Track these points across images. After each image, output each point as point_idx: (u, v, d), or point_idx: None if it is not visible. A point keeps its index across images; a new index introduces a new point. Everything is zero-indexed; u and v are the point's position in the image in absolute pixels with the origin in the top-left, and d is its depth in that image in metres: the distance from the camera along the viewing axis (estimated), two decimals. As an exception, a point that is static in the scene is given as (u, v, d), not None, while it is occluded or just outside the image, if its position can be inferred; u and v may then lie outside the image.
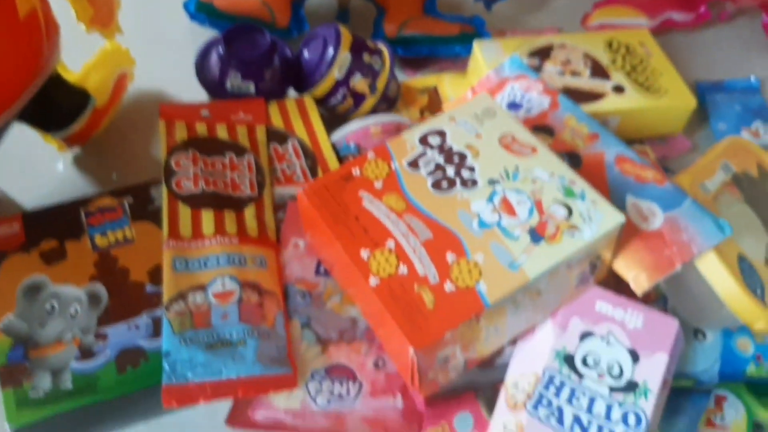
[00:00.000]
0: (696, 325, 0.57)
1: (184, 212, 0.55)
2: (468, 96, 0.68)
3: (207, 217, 0.55)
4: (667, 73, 0.72)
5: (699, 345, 0.56)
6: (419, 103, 0.74)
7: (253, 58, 0.65)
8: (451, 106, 0.69)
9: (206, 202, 0.56)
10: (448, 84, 0.75)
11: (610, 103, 0.67)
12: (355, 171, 0.51)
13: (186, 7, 0.76)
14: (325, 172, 0.62)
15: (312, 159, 0.63)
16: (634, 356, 0.48)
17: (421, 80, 0.76)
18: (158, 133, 0.62)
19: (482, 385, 0.52)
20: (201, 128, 0.62)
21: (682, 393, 0.55)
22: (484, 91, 0.66)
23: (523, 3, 0.85)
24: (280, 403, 0.49)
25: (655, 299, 0.58)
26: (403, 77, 0.77)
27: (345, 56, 0.66)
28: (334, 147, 0.64)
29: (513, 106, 0.63)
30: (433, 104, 0.73)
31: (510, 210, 0.47)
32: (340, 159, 0.63)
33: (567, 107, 0.61)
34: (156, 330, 0.50)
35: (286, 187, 0.61)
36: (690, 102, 0.70)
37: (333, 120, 0.69)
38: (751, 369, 0.56)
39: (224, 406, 0.50)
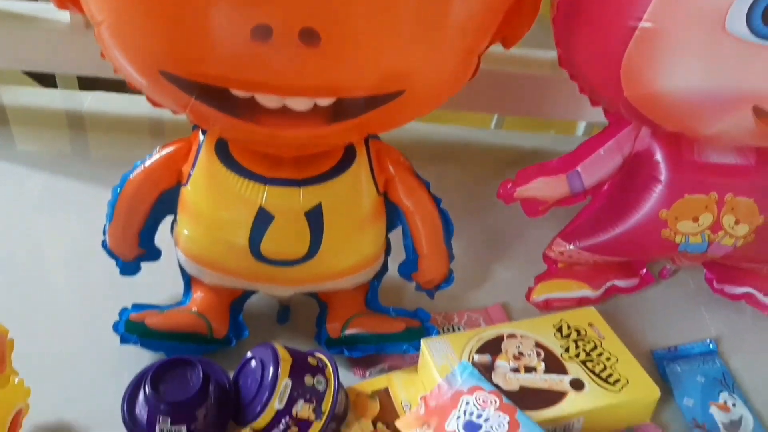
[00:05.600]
0: None
1: None
2: (421, 411, 0.63)
3: None
4: (623, 358, 0.69)
5: None
6: (371, 412, 0.68)
7: (184, 400, 0.59)
8: (404, 423, 0.63)
9: None
10: (399, 385, 0.71)
11: (572, 405, 0.64)
12: None
13: (116, 328, 0.72)
14: None
15: None
16: None
17: (370, 383, 0.71)
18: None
19: None
20: (124, 493, 0.55)
21: None
22: (436, 407, 0.62)
23: (466, 281, 0.84)
24: None
25: None
26: (352, 379, 0.72)
27: (285, 383, 0.61)
28: (277, 494, 0.57)
29: (470, 427, 0.59)
30: (386, 411, 0.68)
31: None
32: None
33: (528, 428, 0.57)
34: None
35: None
36: (653, 392, 0.66)
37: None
38: None
39: None
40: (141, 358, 0.69)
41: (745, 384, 0.75)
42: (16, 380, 0.61)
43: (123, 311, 0.73)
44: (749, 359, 0.78)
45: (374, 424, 0.67)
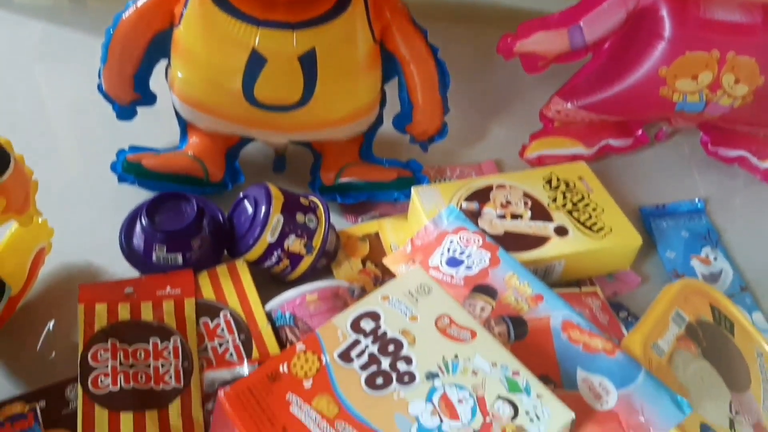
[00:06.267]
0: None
1: (101, 417, 0.50)
2: (407, 249, 0.65)
3: (126, 421, 0.50)
4: (609, 209, 0.70)
5: None
6: (361, 253, 0.71)
7: (178, 230, 0.61)
8: (391, 260, 0.66)
9: (125, 402, 0.51)
10: (389, 229, 0.73)
11: (554, 248, 0.65)
12: (283, 368, 0.47)
13: (113, 168, 0.73)
14: (260, 346, 0.58)
15: (246, 333, 0.59)
16: None
17: (361, 227, 0.73)
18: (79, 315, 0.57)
19: None
20: (124, 311, 0.58)
21: None
22: (422, 246, 0.64)
23: (460, 137, 0.84)
24: None
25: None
26: (343, 224, 0.75)
27: (277, 219, 0.63)
28: (269, 316, 0.61)
29: (453, 262, 0.61)
30: (375, 252, 0.71)
31: (451, 411, 0.43)
32: (276, 330, 0.60)
33: (508, 264, 0.59)
34: None
35: (218, 371, 0.56)
36: (635, 240, 0.68)
37: (269, 279, 0.65)
38: None
39: None
40: (138, 198, 0.71)
41: (728, 241, 0.76)
42: (40, 220, 0.64)
43: (120, 152, 0.75)
44: (736, 220, 0.80)
45: (363, 263, 0.69)
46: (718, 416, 0.51)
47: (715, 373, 0.54)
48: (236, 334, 0.59)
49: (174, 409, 0.52)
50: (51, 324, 0.63)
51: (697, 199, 0.80)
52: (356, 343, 0.48)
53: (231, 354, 0.58)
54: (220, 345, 0.58)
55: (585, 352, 0.50)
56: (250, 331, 0.59)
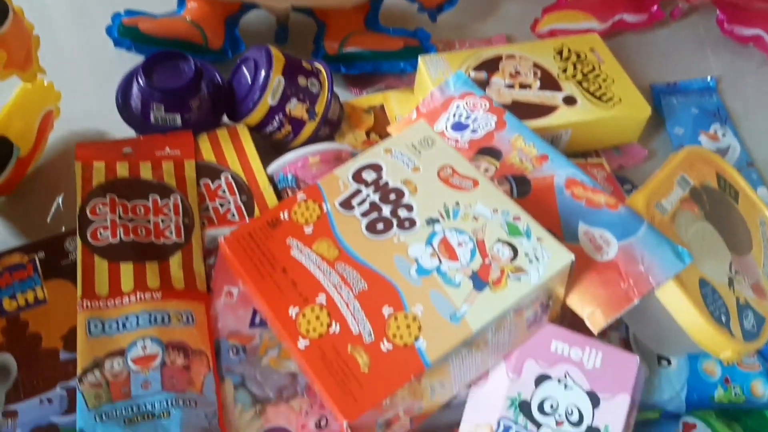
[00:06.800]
0: (659, 352, 0.54)
1: (101, 267, 0.51)
2: (413, 116, 0.64)
3: (126, 271, 0.51)
4: (619, 80, 0.68)
5: (663, 372, 0.53)
6: (365, 124, 0.69)
7: (176, 88, 0.60)
8: (396, 127, 0.65)
9: (125, 253, 0.51)
10: (394, 102, 0.71)
11: (562, 116, 0.64)
12: (283, 215, 0.46)
13: (109, 32, 0.71)
14: (262, 207, 0.58)
15: (247, 194, 0.59)
16: (594, 399, 0.45)
17: (366, 99, 0.72)
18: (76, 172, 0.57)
19: (438, 427, 0.48)
20: (122, 168, 0.58)
21: (648, 423, 0.52)
22: (427, 113, 0.62)
23: (471, 10, 0.81)
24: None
25: (616, 325, 0.55)
26: (348, 96, 0.73)
27: (278, 80, 0.61)
28: (271, 179, 0.60)
29: (458, 126, 0.59)
30: (380, 124, 0.69)
31: (450, 253, 0.43)
32: (278, 192, 0.59)
33: (514, 126, 0.58)
34: (71, 404, 0.46)
35: (219, 228, 0.56)
36: (644, 110, 0.66)
37: (271, 147, 0.64)
38: (719, 393, 0.53)
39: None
40: (136, 63, 0.69)
41: (738, 119, 0.75)
42: (46, 82, 0.62)
43: (115, 16, 0.72)
44: (747, 99, 0.78)
45: (367, 134, 0.68)
46: (717, 274, 0.51)
47: (716, 235, 0.54)
48: (237, 195, 0.58)
49: (175, 261, 0.52)
50: (60, 199, 0.62)
51: (709, 77, 0.77)
52: (357, 192, 0.47)
53: (233, 214, 0.57)
54: (222, 205, 0.58)
55: (587, 207, 0.50)
56: (252, 192, 0.59)
